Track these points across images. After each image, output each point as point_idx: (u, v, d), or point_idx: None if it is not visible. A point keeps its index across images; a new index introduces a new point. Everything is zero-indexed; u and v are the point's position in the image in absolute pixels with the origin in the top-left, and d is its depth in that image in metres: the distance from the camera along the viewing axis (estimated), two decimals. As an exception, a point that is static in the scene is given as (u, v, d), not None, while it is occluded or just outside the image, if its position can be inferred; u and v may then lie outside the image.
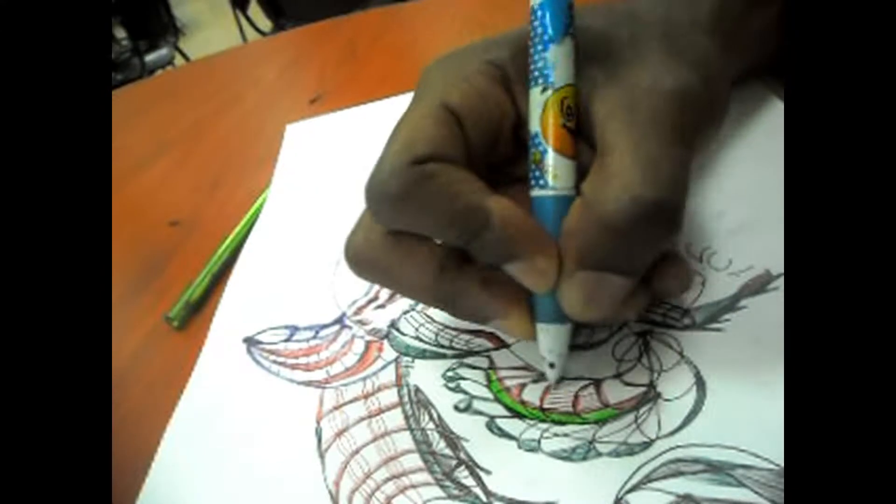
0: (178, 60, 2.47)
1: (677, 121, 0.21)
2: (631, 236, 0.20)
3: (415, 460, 0.23)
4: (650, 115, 0.21)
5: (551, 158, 0.22)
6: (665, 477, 0.20)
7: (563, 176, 0.22)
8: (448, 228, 0.21)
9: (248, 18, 2.26)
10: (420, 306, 0.28)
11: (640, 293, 0.22)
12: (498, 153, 0.24)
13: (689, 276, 0.23)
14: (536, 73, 0.22)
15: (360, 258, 0.24)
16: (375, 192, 0.22)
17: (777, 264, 0.25)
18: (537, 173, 0.22)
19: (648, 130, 0.21)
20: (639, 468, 0.21)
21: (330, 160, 0.41)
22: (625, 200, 0.19)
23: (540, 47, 0.22)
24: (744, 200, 0.29)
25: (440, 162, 0.21)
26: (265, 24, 2.18)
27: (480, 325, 0.23)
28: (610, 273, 0.21)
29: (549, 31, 0.22)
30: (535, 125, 0.22)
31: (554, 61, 0.22)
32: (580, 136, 0.22)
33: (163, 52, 2.43)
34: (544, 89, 0.22)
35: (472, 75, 0.24)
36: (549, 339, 0.23)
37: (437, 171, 0.21)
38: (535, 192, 0.22)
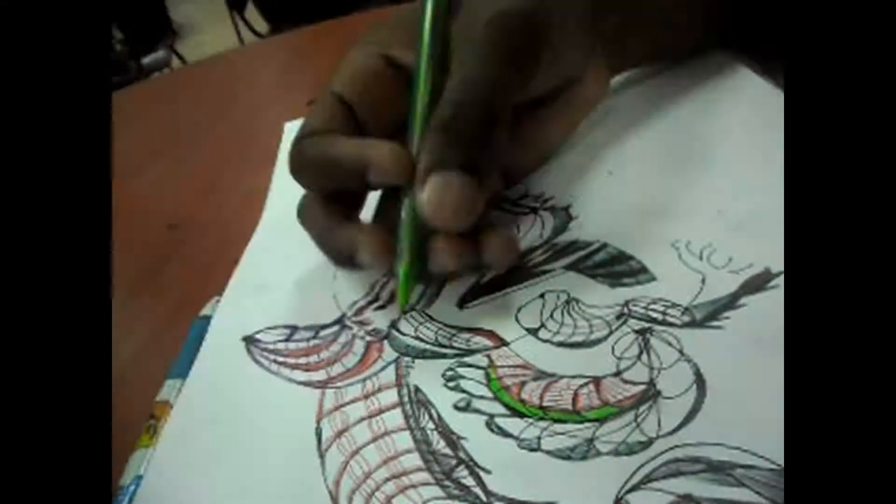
0: (175, 63, 2.46)
1: (498, 43, 0.26)
2: (459, 133, 0.25)
3: (415, 460, 0.23)
4: (476, 37, 0.27)
5: None
6: (665, 477, 0.20)
7: None
8: (328, 178, 0.28)
9: (245, 20, 2.26)
10: (421, 305, 0.28)
11: (468, 252, 0.26)
12: (396, 112, 0.29)
13: (510, 248, 0.27)
14: None
15: (301, 219, 0.30)
16: (290, 171, 0.28)
17: (777, 262, 0.25)
18: None
19: (473, 50, 0.26)
20: (639, 468, 0.21)
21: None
22: (449, 104, 0.25)
23: None
24: (744, 198, 0.29)
25: (317, 135, 0.28)
26: (262, 26, 2.18)
27: (354, 264, 0.27)
28: (452, 171, 0.24)
29: None
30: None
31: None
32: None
33: (159, 54, 2.43)
34: None
35: (355, 56, 0.30)
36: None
37: (312, 142, 0.28)
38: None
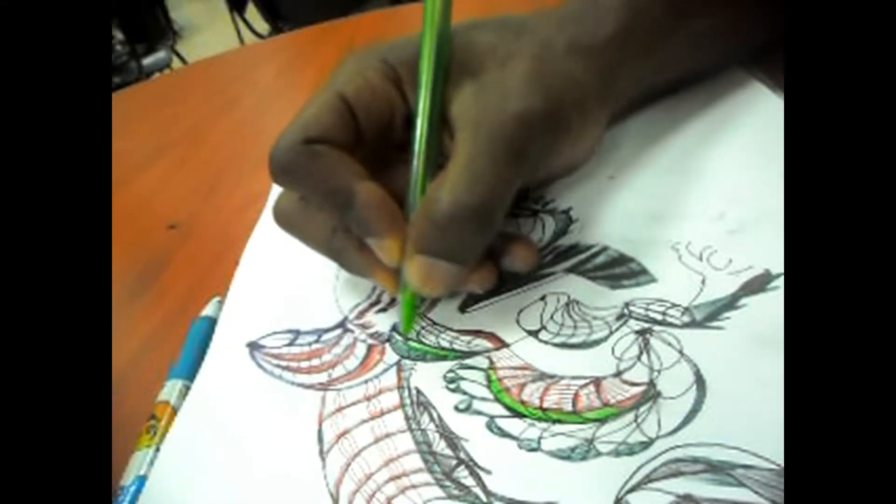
0: (176, 63, 2.46)
1: (514, 142, 0.25)
2: (452, 231, 0.24)
3: (415, 461, 0.23)
4: (490, 134, 0.25)
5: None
6: (665, 477, 0.20)
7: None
8: (324, 201, 0.26)
9: (245, 21, 2.26)
10: (422, 308, 0.29)
11: (487, 270, 0.27)
12: (392, 139, 0.28)
13: (533, 257, 0.28)
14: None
15: (278, 215, 0.29)
16: (272, 162, 0.26)
17: (777, 264, 0.25)
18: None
19: (484, 147, 0.24)
20: (639, 468, 0.21)
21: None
22: (448, 202, 0.24)
23: None
24: (744, 200, 0.29)
25: (327, 144, 0.26)
26: (262, 26, 2.18)
27: (365, 277, 0.28)
28: (440, 259, 0.24)
29: None
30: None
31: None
32: (448, 133, 0.27)
33: (160, 55, 2.43)
34: None
35: (368, 71, 0.27)
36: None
37: (322, 152, 0.26)
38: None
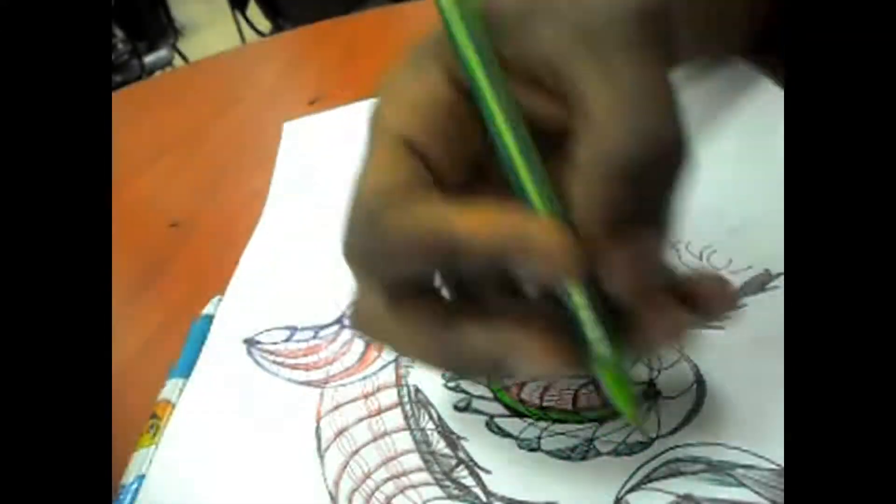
0: (177, 61, 2.46)
1: (640, 36, 0.18)
2: (649, 176, 0.18)
3: (414, 460, 0.23)
4: (610, 38, 0.18)
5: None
6: (665, 477, 0.20)
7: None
8: (421, 261, 0.19)
9: (246, 19, 2.26)
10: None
11: (682, 316, 0.19)
12: (477, 151, 0.21)
13: (733, 298, 0.20)
14: None
15: (366, 329, 0.22)
16: (345, 255, 0.20)
17: (776, 264, 0.25)
18: None
19: (614, 56, 0.18)
20: (639, 468, 0.21)
21: (328, 158, 0.41)
22: (630, 141, 0.17)
23: None
24: (744, 199, 0.29)
25: (399, 205, 0.19)
26: (264, 25, 2.18)
27: (504, 374, 0.22)
28: (642, 229, 0.18)
29: None
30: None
31: None
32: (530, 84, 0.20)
33: (161, 53, 2.43)
34: None
35: (428, 93, 0.21)
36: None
37: (392, 215, 0.19)
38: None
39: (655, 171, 0.18)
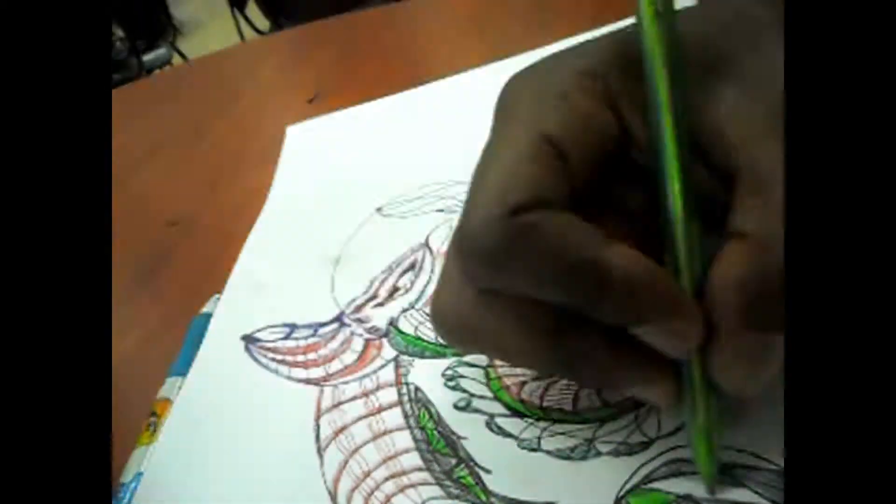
0: (176, 60, 2.46)
1: None
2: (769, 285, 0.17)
3: (414, 459, 0.23)
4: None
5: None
6: (665, 477, 0.20)
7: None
8: (558, 289, 0.17)
9: (245, 17, 2.25)
10: (420, 304, 0.28)
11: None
12: (602, 179, 0.20)
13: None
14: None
15: (451, 324, 0.21)
16: (467, 249, 0.18)
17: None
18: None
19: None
20: (639, 468, 0.21)
21: (329, 161, 0.41)
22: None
23: None
24: None
25: (542, 210, 0.18)
26: (263, 23, 2.18)
27: (612, 391, 0.21)
28: (774, 332, 0.17)
29: None
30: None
31: None
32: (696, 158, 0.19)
33: (160, 51, 2.43)
34: None
35: (571, 93, 0.19)
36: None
37: (540, 222, 0.17)
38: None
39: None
